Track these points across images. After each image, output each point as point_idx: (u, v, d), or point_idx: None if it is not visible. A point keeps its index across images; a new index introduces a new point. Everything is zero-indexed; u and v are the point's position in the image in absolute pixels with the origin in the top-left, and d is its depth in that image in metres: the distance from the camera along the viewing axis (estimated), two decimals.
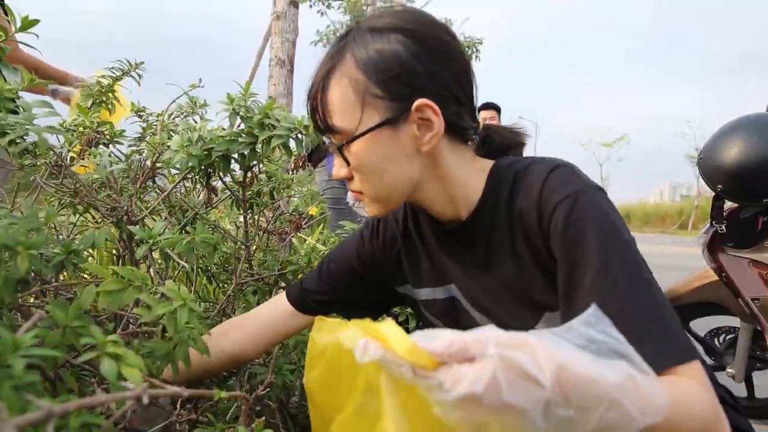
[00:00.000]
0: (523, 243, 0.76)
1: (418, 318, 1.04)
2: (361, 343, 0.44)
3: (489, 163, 0.82)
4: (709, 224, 1.99)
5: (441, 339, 0.44)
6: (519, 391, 0.41)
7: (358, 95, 0.73)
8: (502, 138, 0.86)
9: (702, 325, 2.30)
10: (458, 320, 0.89)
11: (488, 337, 0.43)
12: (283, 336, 1.01)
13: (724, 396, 0.79)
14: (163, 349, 0.73)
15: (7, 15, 0.92)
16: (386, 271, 0.97)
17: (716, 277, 1.96)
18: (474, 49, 8.06)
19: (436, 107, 0.72)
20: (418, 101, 0.72)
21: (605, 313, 0.49)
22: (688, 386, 0.58)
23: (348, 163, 0.77)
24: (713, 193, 1.88)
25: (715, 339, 2.28)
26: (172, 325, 0.70)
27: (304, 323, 1.00)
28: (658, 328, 0.61)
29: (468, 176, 0.79)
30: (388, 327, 0.45)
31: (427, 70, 0.73)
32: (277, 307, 1.01)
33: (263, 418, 0.82)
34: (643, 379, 0.46)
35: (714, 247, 1.96)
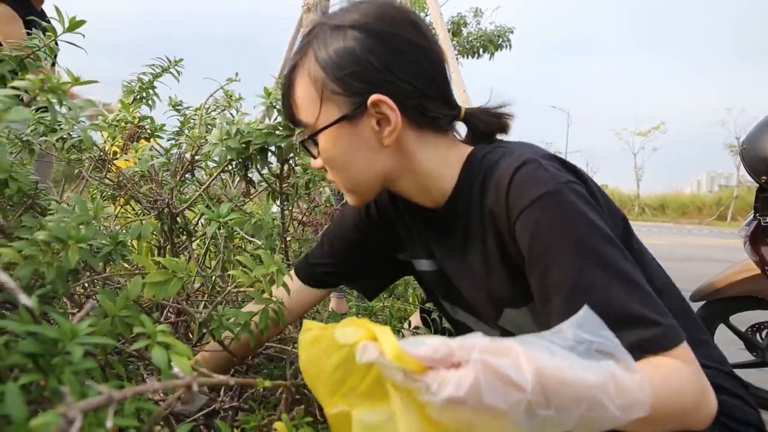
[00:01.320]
0: (493, 241, 0.76)
1: (422, 288, 1.06)
2: (361, 344, 0.49)
3: (467, 152, 0.80)
4: (751, 216, 1.93)
5: (427, 345, 0.47)
6: (499, 394, 0.45)
7: (318, 91, 0.75)
8: (484, 124, 0.83)
9: (743, 320, 2.24)
10: (449, 293, 0.91)
11: (473, 343, 0.47)
12: (299, 311, 1.05)
13: (723, 384, 0.76)
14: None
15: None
16: (384, 240, 0.98)
17: (758, 271, 1.91)
18: (505, 39, 7.92)
19: (391, 102, 0.73)
20: (373, 97, 0.73)
21: None
22: (673, 369, 0.58)
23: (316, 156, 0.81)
24: (755, 184, 1.83)
25: (757, 334, 2.22)
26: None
27: (315, 297, 1.04)
28: (641, 319, 0.60)
29: (442, 167, 0.79)
30: (380, 331, 0.49)
31: (383, 66, 0.73)
32: (289, 285, 1.04)
33: (302, 406, 0.84)
34: (626, 378, 0.50)
35: (757, 239, 1.90)
